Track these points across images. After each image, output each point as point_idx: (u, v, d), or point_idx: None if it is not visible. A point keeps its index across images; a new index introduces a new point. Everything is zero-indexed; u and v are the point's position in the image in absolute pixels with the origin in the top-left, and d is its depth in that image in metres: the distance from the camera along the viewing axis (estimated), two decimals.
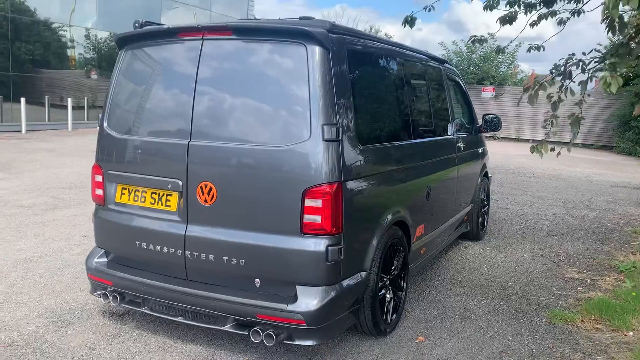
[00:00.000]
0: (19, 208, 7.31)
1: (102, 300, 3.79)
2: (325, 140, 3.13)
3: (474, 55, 26.18)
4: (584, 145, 22.66)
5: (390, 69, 4.22)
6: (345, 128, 3.28)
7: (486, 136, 22.36)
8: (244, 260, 3.29)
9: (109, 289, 3.72)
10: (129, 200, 3.67)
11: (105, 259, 3.83)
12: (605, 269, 5.76)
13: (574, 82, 3.74)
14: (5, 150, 12.98)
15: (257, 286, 3.31)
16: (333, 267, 3.21)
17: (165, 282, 3.50)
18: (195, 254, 3.39)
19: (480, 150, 6.50)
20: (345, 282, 3.34)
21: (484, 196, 6.75)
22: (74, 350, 3.50)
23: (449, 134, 5.39)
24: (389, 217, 3.79)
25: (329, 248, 3.16)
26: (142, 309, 3.63)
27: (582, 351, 3.78)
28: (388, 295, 3.91)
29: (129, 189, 3.68)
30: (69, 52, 21.15)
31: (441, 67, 5.48)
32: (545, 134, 4.71)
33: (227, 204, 3.34)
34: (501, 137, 23.93)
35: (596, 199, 10.13)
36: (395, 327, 4.01)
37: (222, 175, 3.34)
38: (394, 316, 3.94)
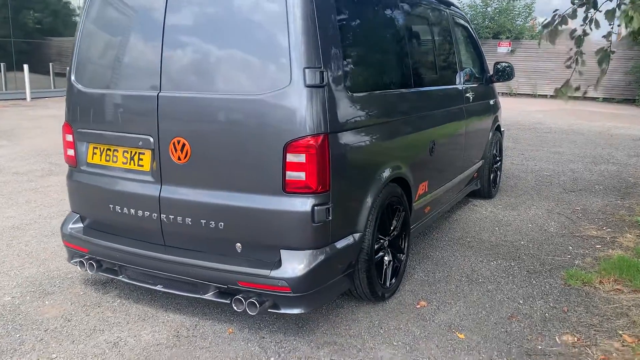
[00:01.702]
0: (14, 175, 7.10)
1: (79, 268, 3.54)
2: (308, 86, 2.77)
3: (489, 9, 25.16)
4: (605, 100, 21.83)
5: (387, 10, 3.79)
6: (333, 73, 2.91)
7: (502, 93, 21.52)
8: (223, 224, 3.00)
9: (85, 257, 3.46)
10: (100, 160, 3.37)
11: (80, 225, 3.57)
12: (626, 225, 5.38)
13: (600, 11, 3.27)
14: (8, 118, 12.78)
15: (239, 251, 3.02)
16: (320, 229, 2.89)
17: (142, 249, 3.22)
18: (172, 217, 3.10)
19: (491, 102, 6.07)
20: (335, 245, 3.03)
21: (496, 151, 6.35)
22: (48, 322, 3.27)
23: (456, 83, 4.97)
24: (386, 173, 3.44)
25: (315, 208, 2.84)
26: (120, 277, 3.37)
27: (600, 314, 3.46)
28: (386, 258, 3.60)
29: (100, 148, 3.38)
30: (75, 19, 20.72)
31: (447, 10, 5.01)
32: (571, 74, 4.24)
33: (202, 161, 3.02)
34: (518, 94, 23.19)
35: (617, 153, 9.65)
36: (395, 292, 3.71)
37: (195, 130, 3.01)
38: (393, 280, 3.64)
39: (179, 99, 3.02)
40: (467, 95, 5.13)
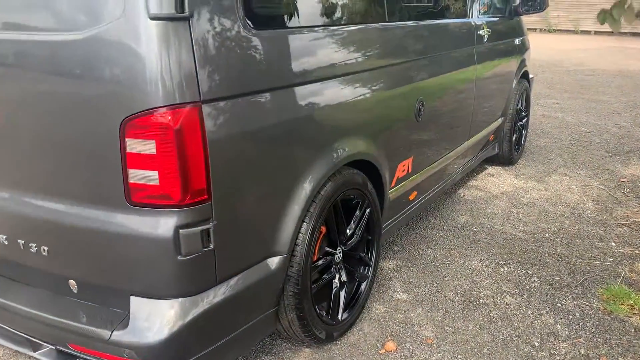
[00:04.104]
0: None
1: None
2: (155, 18, 1.53)
3: None
4: None
5: None
6: None
7: (539, 29, 19.35)
8: (46, 248, 1.86)
9: None
10: None
11: None
12: None
13: None
14: None
15: (74, 292, 1.89)
16: (194, 265, 1.73)
17: None
18: None
19: (517, 41, 4.65)
20: (229, 284, 1.87)
21: (522, 105, 4.98)
22: None
23: (464, 16, 3.59)
24: (333, 156, 2.21)
25: (181, 232, 1.66)
26: None
27: None
28: (338, 280, 2.44)
29: None
30: None
31: None
32: None
33: (7, 147, 1.86)
34: (557, 30, 20.93)
35: None
36: (353, 325, 2.57)
37: None
38: (345, 313, 2.48)
39: None
40: (481, 32, 3.75)
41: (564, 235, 3.57)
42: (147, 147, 1.61)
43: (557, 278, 3.04)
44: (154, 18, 1.53)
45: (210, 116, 1.66)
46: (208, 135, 1.66)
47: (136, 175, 1.64)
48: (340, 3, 2.30)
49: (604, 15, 1.60)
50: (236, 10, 1.73)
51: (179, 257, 1.68)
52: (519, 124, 4.97)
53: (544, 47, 14.52)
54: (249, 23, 1.78)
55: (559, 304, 2.79)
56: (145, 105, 1.58)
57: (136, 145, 1.62)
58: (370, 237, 2.64)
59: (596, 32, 20.69)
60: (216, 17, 1.67)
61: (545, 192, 4.35)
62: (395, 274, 3.07)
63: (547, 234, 3.59)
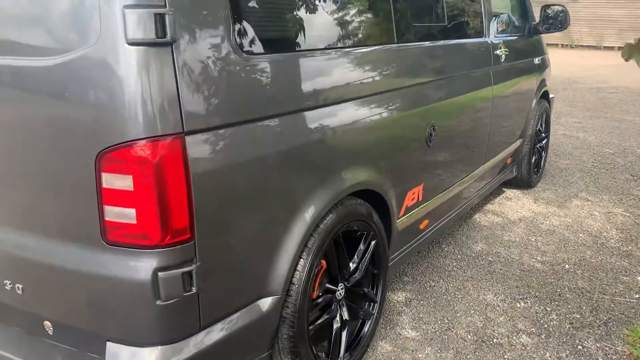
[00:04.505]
0: None
1: None
2: (133, 44, 1.41)
3: None
4: None
5: None
6: (197, 15, 1.52)
7: (561, 45, 18.92)
8: (20, 286, 1.74)
9: None
10: None
11: None
12: None
13: None
14: None
15: (50, 333, 1.76)
16: (176, 310, 1.58)
17: None
18: None
19: (536, 60, 4.46)
20: (215, 329, 1.72)
21: (542, 126, 4.78)
22: None
23: (480, 35, 3.43)
24: (333, 187, 2.06)
25: (160, 275, 1.52)
26: None
27: None
28: (337, 320, 2.27)
29: None
30: None
31: None
32: None
33: None
34: (580, 45, 20.58)
35: None
36: None
37: None
38: (347, 355, 2.31)
39: None
40: (498, 52, 3.58)
41: (586, 268, 3.35)
42: (124, 182, 1.48)
43: (577, 316, 2.83)
44: (133, 43, 1.40)
45: (195, 148, 1.52)
46: (192, 169, 1.52)
47: (112, 213, 1.51)
48: (342, 24, 2.15)
49: (629, 51, 1.43)
50: (226, 33, 1.60)
51: (158, 302, 1.54)
52: (538, 145, 4.77)
53: (566, 63, 14.24)
54: (241, 47, 1.65)
55: (579, 346, 2.58)
56: (123, 137, 1.45)
57: (113, 181, 1.49)
58: (375, 271, 2.47)
59: (620, 48, 20.28)
60: (203, 41, 1.53)
61: (565, 218, 4.13)
62: (405, 308, 2.89)
63: (567, 266, 3.38)
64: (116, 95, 1.43)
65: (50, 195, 1.62)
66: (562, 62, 14.16)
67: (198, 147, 1.53)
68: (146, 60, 1.42)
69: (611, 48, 20.38)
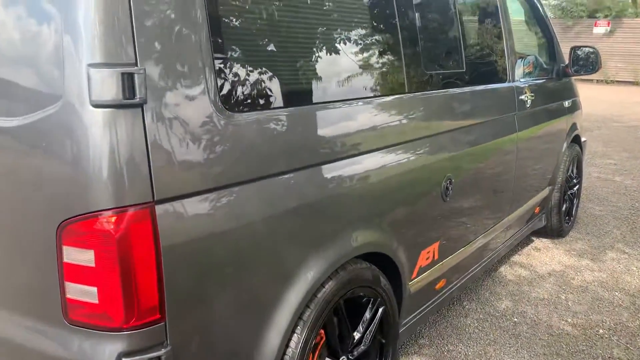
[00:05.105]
0: None
1: None
2: (99, 106, 1.27)
3: None
4: None
5: None
6: (172, 71, 1.39)
7: (596, 80, 18.45)
8: None
9: None
10: None
11: None
12: None
13: None
14: None
15: None
16: None
17: None
18: None
19: (567, 103, 4.23)
20: None
21: (573, 172, 4.51)
22: None
23: (503, 79, 3.24)
24: (333, 252, 1.88)
25: None
26: None
27: None
28: None
29: None
30: None
31: None
32: None
33: None
34: (616, 81, 20.09)
35: None
36: None
37: None
38: None
39: None
40: (523, 97, 3.38)
41: (622, 333, 3.05)
42: (85, 257, 1.33)
43: None
44: (97, 105, 1.27)
45: (166, 218, 1.37)
46: (163, 242, 1.36)
47: (74, 290, 1.36)
48: (341, 72, 1.99)
49: None
50: (206, 90, 1.45)
51: None
52: (569, 192, 4.49)
53: (600, 100, 13.84)
54: (223, 104, 1.50)
55: None
56: (85, 207, 1.31)
57: (74, 255, 1.34)
58: (384, 340, 2.25)
59: None
60: (179, 99, 1.39)
61: (599, 273, 3.83)
62: None
63: (601, 330, 3.08)
64: (79, 162, 1.30)
65: (12, 265, 1.48)
66: (597, 99, 13.78)
67: (170, 217, 1.38)
68: (112, 124, 1.28)
69: None
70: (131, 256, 1.32)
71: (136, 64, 1.29)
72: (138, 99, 1.29)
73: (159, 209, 1.35)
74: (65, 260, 1.35)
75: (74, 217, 1.32)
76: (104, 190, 1.29)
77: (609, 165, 7.13)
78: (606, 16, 21.30)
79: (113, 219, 1.29)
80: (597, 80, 19.65)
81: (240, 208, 1.56)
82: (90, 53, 1.26)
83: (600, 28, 21.28)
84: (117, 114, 1.28)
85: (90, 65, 1.25)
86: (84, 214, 1.30)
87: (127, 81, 1.27)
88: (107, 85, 1.26)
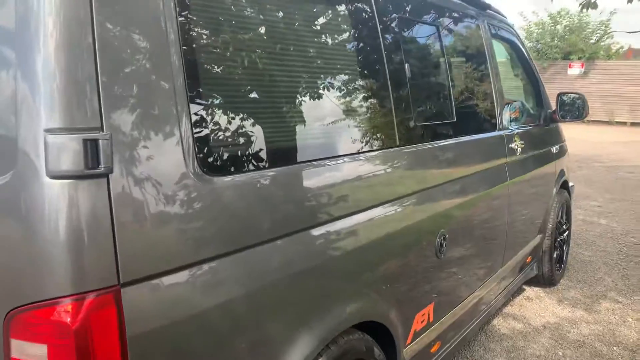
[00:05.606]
0: None
1: None
2: (56, 177, 1.11)
3: (558, 27, 22.73)
4: None
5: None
6: (142, 136, 1.23)
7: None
8: None
9: None
10: None
11: None
12: None
13: None
14: None
15: None
16: None
17: None
18: None
19: (554, 149, 4.17)
20: None
21: (562, 218, 4.42)
22: None
23: (491, 129, 3.15)
24: (322, 327, 1.70)
25: None
26: None
27: None
28: None
29: None
30: None
31: (479, 15, 3.22)
32: None
33: None
34: (591, 120, 20.47)
35: None
36: None
37: None
38: None
39: None
40: (512, 145, 3.29)
41: None
42: (37, 351, 1.14)
43: None
44: (55, 177, 1.10)
45: (134, 303, 1.19)
46: (129, 331, 1.18)
47: None
48: (327, 130, 1.86)
49: None
50: (183, 154, 1.30)
51: None
52: (559, 239, 4.38)
53: (579, 140, 14.01)
54: (202, 169, 1.35)
55: None
56: (38, 294, 1.12)
57: (24, 349, 1.15)
58: None
59: (632, 124, 20.17)
60: (151, 166, 1.23)
61: (595, 325, 3.68)
62: None
63: None
64: (32, 241, 1.12)
65: None
66: (576, 138, 13.93)
67: (139, 301, 1.20)
68: (71, 197, 1.11)
69: (623, 123, 20.28)
70: (91, 350, 1.13)
71: (101, 129, 1.14)
72: (103, 169, 1.13)
73: (126, 292, 1.17)
74: (13, 355, 1.15)
75: (25, 305, 1.13)
76: (60, 275, 1.11)
77: (593, 208, 7.09)
78: (579, 58, 21.91)
79: (69, 308, 1.11)
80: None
81: (220, 284, 1.38)
82: (47, 115, 1.10)
83: (575, 69, 21.85)
84: (77, 185, 1.12)
85: (48, 130, 1.09)
86: (36, 302, 1.12)
87: (91, 148, 1.11)
88: (66, 154, 1.09)
